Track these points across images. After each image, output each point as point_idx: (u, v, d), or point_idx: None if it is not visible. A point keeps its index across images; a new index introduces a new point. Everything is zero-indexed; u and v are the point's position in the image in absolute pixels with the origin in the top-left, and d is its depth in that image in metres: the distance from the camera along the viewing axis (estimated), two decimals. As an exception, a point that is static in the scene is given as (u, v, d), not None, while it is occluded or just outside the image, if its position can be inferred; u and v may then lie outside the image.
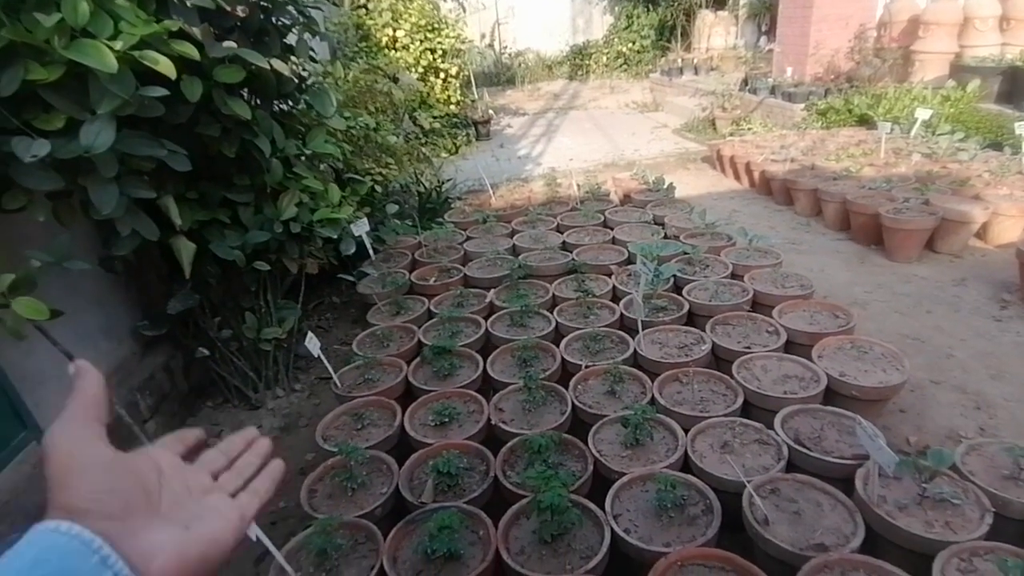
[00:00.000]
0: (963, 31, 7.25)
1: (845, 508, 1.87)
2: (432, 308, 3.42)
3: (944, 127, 5.61)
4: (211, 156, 2.63)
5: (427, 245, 4.25)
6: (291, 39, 3.07)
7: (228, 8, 2.40)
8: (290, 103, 3.19)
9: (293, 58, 2.93)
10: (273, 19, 2.89)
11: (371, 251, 3.89)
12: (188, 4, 2.20)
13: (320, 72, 3.32)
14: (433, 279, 3.81)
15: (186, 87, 2.17)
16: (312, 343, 2.73)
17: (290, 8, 2.99)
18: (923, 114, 5.57)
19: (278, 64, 2.67)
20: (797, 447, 2.11)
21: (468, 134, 8.49)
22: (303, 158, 3.03)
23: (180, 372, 3.17)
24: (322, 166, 3.82)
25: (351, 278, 3.58)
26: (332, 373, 2.81)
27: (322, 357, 2.76)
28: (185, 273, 2.39)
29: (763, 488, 1.97)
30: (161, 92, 1.88)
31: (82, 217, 2.08)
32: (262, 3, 2.84)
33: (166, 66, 1.87)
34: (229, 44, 2.36)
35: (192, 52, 2.00)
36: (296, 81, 2.95)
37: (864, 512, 1.83)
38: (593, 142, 8.84)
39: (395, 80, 4.48)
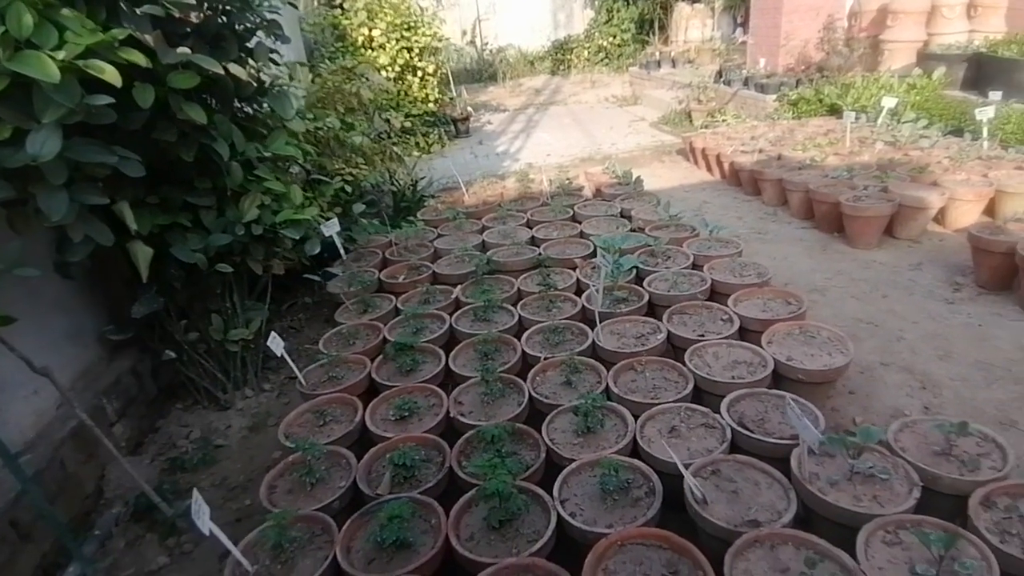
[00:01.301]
0: (931, 19, 7.36)
1: (781, 486, 1.94)
2: (399, 305, 3.47)
3: (909, 115, 5.70)
4: (171, 161, 2.67)
5: (398, 244, 4.30)
6: (257, 42, 3.12)
7: (181, 15, 2.44)
8: (252, 106, 3.24)
9: (251, 62, 2.96)
10: (234, 24, 2.93)
11: (342, 251, 3.94)
12: (138, 12, 2.23)
13: (284, 74, 3.34)
14: (402, 277, 3.86)
15: (138, 94, 2.22)
16: (275, 343, 2.78)
17: (249, 14, 3.03)
18: (889, 102, 5.67)
19: (235, 69, 2.72)
20: (740, 430, 2.19)
21: (440, 132, 8.50)
22: (264, 160, 3.07)
23: (148, 375, 3.21)
24: (293, 168, 3.88)
25: (317, 278, 3.62)
26: (297, 372, 2.86)
27: (286, 356, 2.81)
28: (142, 276, 2.43)
29: (704, 469, 2.04)
30: (106, 100, 1.92)
31: (37, 224, 2.12)
32: (225, 7, 2.88)
33: (112, 74, 1.91)
34: (183, 50, 2.40)
35: (139, 59, 2.04)
36: (255, 85, 2.99)
37: (798, 489, 1.91)
38: (571, 137, 8.90)
39: (361, 79, 4.51)
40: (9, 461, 2.06)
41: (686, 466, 2.00)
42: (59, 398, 2.57)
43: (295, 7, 3.21)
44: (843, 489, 1.90)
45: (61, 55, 1.82)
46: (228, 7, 2.84)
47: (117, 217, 2.34)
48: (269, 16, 3.12)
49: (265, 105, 3.17)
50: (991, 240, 3.36)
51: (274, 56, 3.27)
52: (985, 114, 4.70)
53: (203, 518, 1.81)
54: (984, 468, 1.95)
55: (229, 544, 1.87)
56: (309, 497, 2.20)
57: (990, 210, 4.19)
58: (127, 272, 2.98)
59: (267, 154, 2.99)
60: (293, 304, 4.35)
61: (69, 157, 1.97)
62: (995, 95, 5.15)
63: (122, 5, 2.19)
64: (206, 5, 2.71)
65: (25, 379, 2.39)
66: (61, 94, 1.82)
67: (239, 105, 3.12)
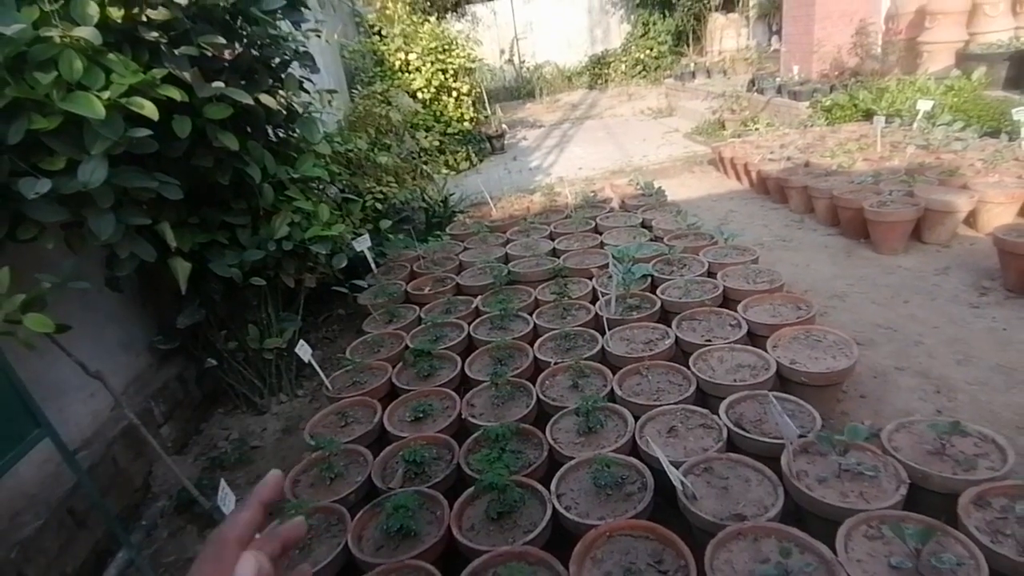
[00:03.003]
0: (972, 18, 7.14)
1: (771, 483, 1.99)
2: (422, 315, 3.64)
3: (946, 117, 5.56)
4: (210, 184, 2.94)
5: (425, 257, 4.49)
6: (295, 70, 3.40)
7: (216, 53, 2.71)
8: (284, 132, 3.50)
9: (281, 92, 3.22)
10: (267, 57, 3.20)
11: (373, 265, 4.16)
12: (176, 53, 2.50)
13: (315, 101, 3.60)
14: (428, 288, 4.04)
15: (177, 125, 2.48)
16: (303, 349, 2.99)
17: (287, 44, 3.31)
18: (925, 105, 5.55)
19: (266, 99, 2.98)
20: (736, 430, 2.24)
21: (469, 151, 8.71)
22: (295, 181, 3.31)
23: (193, 382, 3.48)
24: (331, 189, 4.15)
25: (345, 290, 3.84)
26: (323, 377, 3.06)
27: (313, 362, 3.01)
28: (182, 289, 2.68)
29: (698, 467, 2.11)
30: (145, 132, 2.17)
31: (89, 243, 2.39)
32: (257, 43, 3.16)
33: (150, 110, 2.16)
34: (218, 84, 2.66)
35: (176, 95, 2.29)
36: (285, 112, 3.24)
37: (787, 485, 1.95)
38: (604, 150, 9.00)
39: (389, 103, 4.77)
40: (67, 456, 2.32)
41: (679, 464, 2.08)
42: (112, 401, 2.84)
43: (319, 35, 3.45)
44: (831, 486, 1.93)
45: (106, 94, 2.08)
46: (260, 43, 3.10)
47: (160, 236, 2.59)
48: (301, 49, 3.40)
49: (296, 130, 3.43)
50: (1017, 243, 3.29)
51: (306, 85, 3.54)
52: (1023, 113, 4.57)
53: (229, 504, 2.00)
54: (981, 468, 1.95)
55: (251, 530, 2.05)
56: (329, 491, 2.37)
57: (1027, 212, 4.07)
58: (173, 286, 3.29)
59: (296, 175, 3.23)
60: (329, 316, 4.60)
61: (115, 183, 2.22)
62: (1040, 93, 5.01)
63: (162, 47, 2.45)
64: (239, 43, 2.98)
65: (82, 383, 2.67)
66: (107, 128, 2.07)
67: (271, 131, 3.39)
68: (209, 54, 2.57)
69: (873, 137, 5.55)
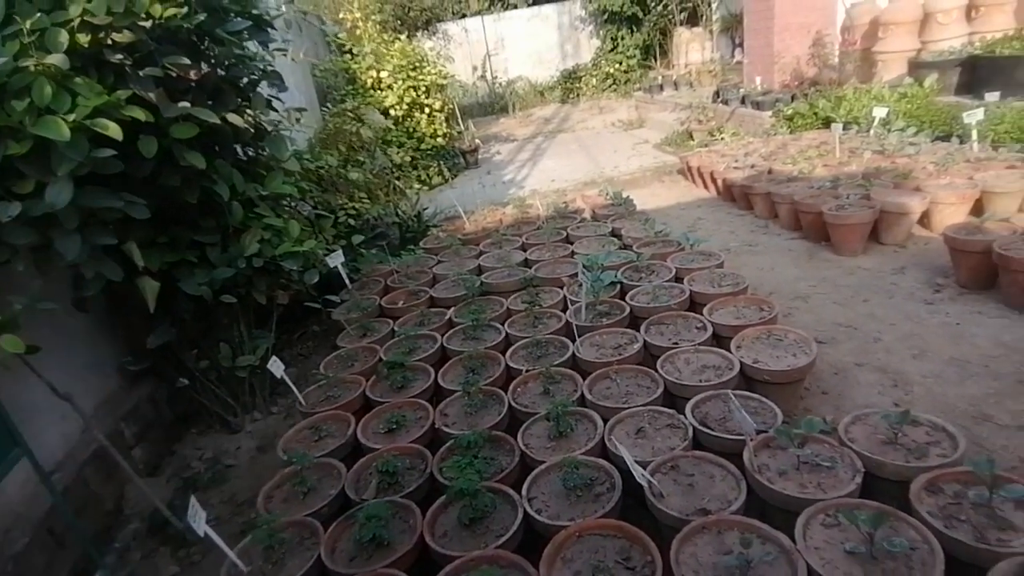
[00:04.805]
0: (924, 27, 7.43)
1: (734, 477, 2.05)
2: (396, 328, 3.67)
3: (900, 123, 5.78)
4: (178, 203, 2.95)
5: (399, 271, 4.52)
6: (264, 89, 3.43)
7: (181, 73, 2.73)
8: (253, 150, 3.53)
9: (249, 111, 3.25)
10: (234, 77, 3.23)
11: (347, 280, 4.18)
12: (141, 74, 2.52)
13: (284, 119, 3.64)
14: (401, 302, 4.07)
15: (142, 145, 2.50)
16: (276, 366, 2.99)
17: (253, 63, 3.34)
18: (880, 112, 5.76)
19: (233, 118, 3.00)
20: (702, 428, 2.31)
21: (441, 165, 8.77)
22: (264, 199, 3.33)
23: (164, 402, 3.46)
24: (304, 206, 4.17)
25: (318, 306, 3.85)
26: (296, 393, 3.06)
27: (286, 378, 3.02)
28: (150, 308, 2.67)
29: (664, 465, 2.16)
30: (109, 152, 2.19)
31: (56, 264, 2.39)
32: (228, 62, 3.20)
33: (114, 130, 2.19)
34: (184, 104, 2.68)
35: (140, 115, 2.32)
36: (253, 131, 3.27)
37: (749, 479, 2.02)
38: (576, 162, 9.13)
39: (361, 120, 4.82)
40: (43, 477, 2.31)
41: (647, 463, 2.13)
42: (83, 423, 2.82)
43: (285, 54, 3.49)
44: (791, 478, 2.00)
45: (72, 117, 2.10)
46: (227, 63, 3.14)
47: (128, 256, 2.59)
48: (268, 68, 3.44)
49: (265, 148, 3.46)
50: (967, 240, 3.43)
51: (275, 103, 3.57)
52: (973, 117, 4.77)
53: (199, 522, 2.00)
54: (932, 456, 2.03)
55: (224, 546, 2.05)
56: (302, 505, 2.37)
57: (979, 211, 4.23)
58: (142, 306, 3.27)
59: (266, 193, 3.26)
60: (303, 333, 4.59)
61: (81, 204, 2.23)
62: (992, 96, 5.22)
63: (127, 69, 2.48)
64: (205, 63, 3.00)
65: (52, 405, 2.63)
66: (72, 150, 2.09)
67: (240, 149, 3.41)
68: (174, 75, 2.60)
69: (832, 144, 5.74)
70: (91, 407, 3.02)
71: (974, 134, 4.81)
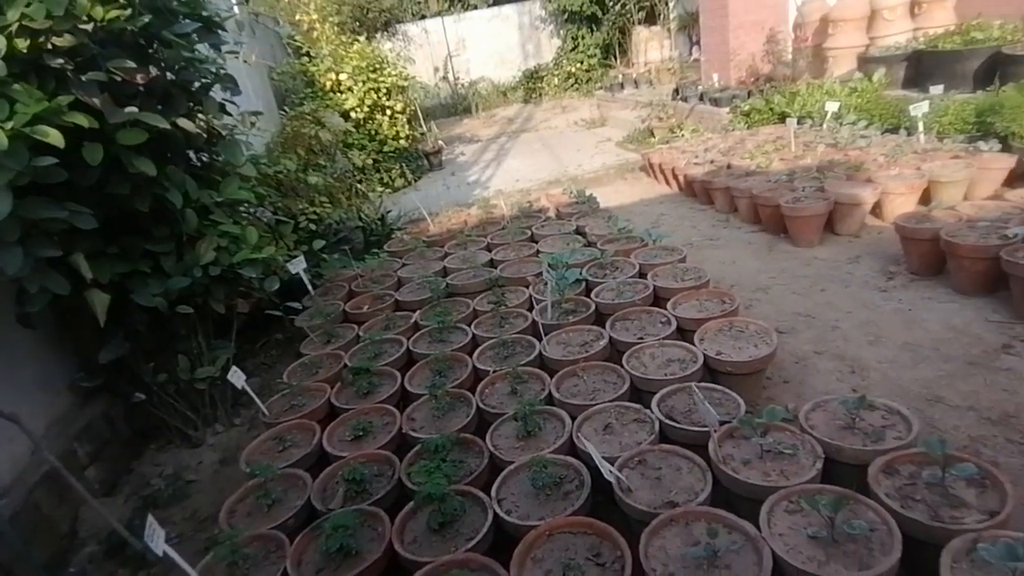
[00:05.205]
0: (871, 24, 7.65)
1: (700, 469, 2.08)
2: (361, 333, 3.61)
3: (851, 116, 5.95)
4: (129, 212, 2.85)
5: (363, 276, 4.46)
6: (217, 92, 3.34)
7: (128, 77, 2.64)
8: (207, 155, 3.43)
9: (201, 115, 3.16)
10: (185, 81, 3.14)
11: (310, 286, 4.11)
12: (83, 79, 2.43)
13: (239, 123, 3.55)
14: (367, 306, 4.01)
15: (87, 152, 2.41)
16: (236, 376, 2.92)
17: (204, 66, 3.25)
18: (832, 106, 5.92)
19: (184, 122, 2.92)
20: (668, 422, 2.33)
21: (404, 167, 8.69)
22: (220, 205, 3.25)
23: (121, 419, 3.33)
24: (264, 212, 4.07)
25: (279, 314, 3.77)
26: (259, 403, 2.99)
27: (247, 388, 2.95)
28: (100, 322, 2.58)
29: (632, 460, 2.17)
30: (51, 161, 2.10)
31: (-2, 280, 2.28)
32: (177, 65, 3.10)
33: (55, 137, 2.10)
34: (131, 109, 2.59)
35: (83, 121, 2.23)
36: (206, 136, 3.19)
37: (714, 470, 2.04)
38: (540, 161, 9.15)
39: (321, 123, 4.74)
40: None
41: (615, 459, 2.14)
42: (32, 444, 2.70)
43: (236, 56, 3.41)
44: (754, 467, 2.03)
45: (10, 124, 2.01)
46: (176, 66, 3.05)
47: (75, 268, 2.50)
48: (221, 71, 3.35)
49: (219, 153, 3.37)
50: (916, 228, 3.55)
51: (229, 107, 3.49)
52: (919, 109, 4.93)
53: (157, 541, 1.93)
54: (888, 439, 2.09)
55: (185, 565, 1.99)
56: (267, 518, 2.31)
57: (927, 200, 4.37)
58: (93, 320, 3.16)
59: (221, 199, 3.17)
60: (266, 341, 4.49)
61: (22, 215, 2.14)
62: (936, 89, 5.40)
63: (69, 74, 2.38)
64: (154, 66, 2.91)
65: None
66: (10, 159, 2.00)
67: (193, 155, 3.32)
68: (120, 79, 2.51)
69: (788, 138, 5.88)
70: (41, 427, 2.90)
71: (920, 126, 4.98)
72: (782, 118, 7.07)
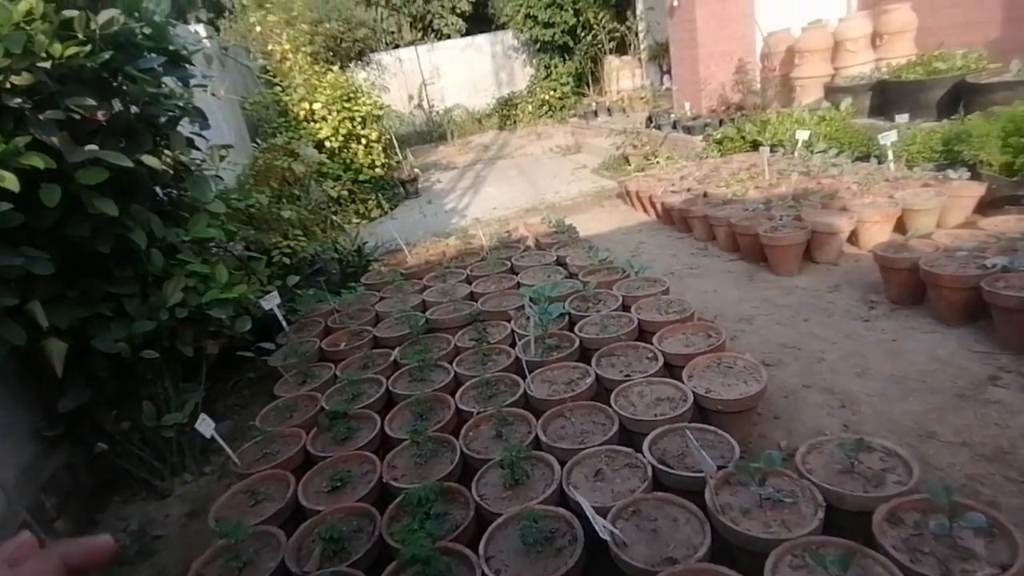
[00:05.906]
0: (835, 54, 7.87)
1: (697, 520, 1.99)
2: (338, 373, 3.47)
3: (821, 145, 6.05)
4: (90, 253, 2.70)
5: (340, 311, 4.33)
6: (184, 127, 3.22)
7: (87, 114, 2.52)
8: (176, 192, 3.30)
9: (167, 151, 3.04)
10: (149, 116, 3.02)
11: (284, 323, 3.96)
12: (42, 118, 2.30)
13: (208, 158, 3.43)
14: (343, 344, 3.88)
15: (44, 195, 2.28)
16: (205, 424, 2.76)
17: (171, 101, 3.14)
18: (802, 135, 6.03)
19: (149, 159, 2.80)
20: (661, 467, 2.24)
21: (379, 197, 8.59)
22: (187, 243, 3.11)
23: (83, 469, 3.14)
24: (236, 248, 3.93)
25: (251, 355, 3.61)
26: (230, 452, 2.83)
27: (216, 437, 2.78)
28: (57, 372, 2.41)
29: (626, 510, 2.08)
30: (6, 207, 1.97)
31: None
32: (142, 100, 2.98)
33: (11, 181, 1.98)
34: (91, 147, 2.47)
35: (39, 163, 2.10)
36: (172, 172, 3.06)
37: (712, 521, 1.96)
38: (517, 188, 9.15)
39: (294, 155, 4.64)
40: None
41: (608, 509, 2.05)
42: (3, 496, 2.51)
43: (205, 89, 3.31)
44: (754, 517, 1.95)
45: (-42, 167, 1.87)
46: (140, 101, 2.93)
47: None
48: (189, 105, 3.24)
49: (187, 190, 3.24)
50: (895, 258, 3.57)
51: (198, 141, 3.37)
52: (888, 138, 5.03)
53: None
54: (889, 483, 2.03)
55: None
56: (238, 582, 2.16)
57: (901, 228, 4.43)
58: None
59: (188, 238, 3.04)
60: (238, 381, 4.31)
61: (-29, 263, 1.99)
62: (901, 118, 5.52)
63: (27, 113, 2.26)
64: (119, 102, 2.80)
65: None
66: (-41, 204, 1.86)
67: (160, 192, 3.19)
68: (80, 116, 2.39)
69: (761, 166, 5.95)
70: (11, 477, 2.70)
71: (890, 154, 5.08)
72: (754, 146, 7.18)
